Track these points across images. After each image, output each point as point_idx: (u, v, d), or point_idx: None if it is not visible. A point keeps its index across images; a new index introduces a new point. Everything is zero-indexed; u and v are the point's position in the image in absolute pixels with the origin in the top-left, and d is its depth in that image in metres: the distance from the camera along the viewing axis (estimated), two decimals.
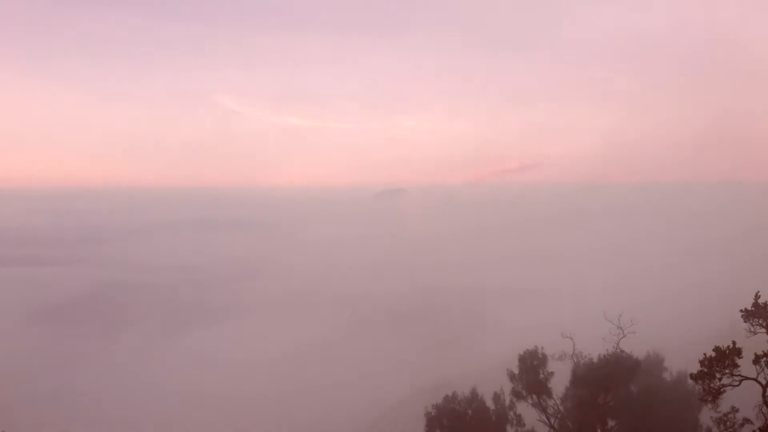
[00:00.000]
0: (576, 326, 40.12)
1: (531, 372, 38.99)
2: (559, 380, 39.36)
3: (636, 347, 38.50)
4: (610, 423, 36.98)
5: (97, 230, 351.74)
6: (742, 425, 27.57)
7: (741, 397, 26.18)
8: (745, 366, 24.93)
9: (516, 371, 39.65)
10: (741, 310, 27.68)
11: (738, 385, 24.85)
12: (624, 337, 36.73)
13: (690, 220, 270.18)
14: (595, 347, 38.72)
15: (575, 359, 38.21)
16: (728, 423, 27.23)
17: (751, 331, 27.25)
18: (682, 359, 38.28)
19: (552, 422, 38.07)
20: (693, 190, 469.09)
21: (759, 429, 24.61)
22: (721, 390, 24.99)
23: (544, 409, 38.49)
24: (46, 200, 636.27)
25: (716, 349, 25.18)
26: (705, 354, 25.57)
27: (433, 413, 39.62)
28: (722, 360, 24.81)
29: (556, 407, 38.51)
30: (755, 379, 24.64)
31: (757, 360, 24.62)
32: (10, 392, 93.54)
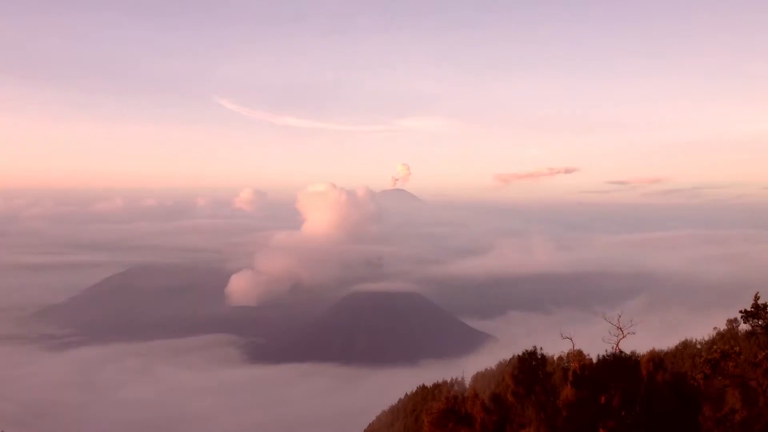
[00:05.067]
0: (576, 326, 40.07)
1: (530, 372, 38.98)
2: (559, 381, 39.33)
3: (636, 347, 38.46)
4: (610, 423, 36.94)
5: None
6: (741, 426, 27.58)
7: (740, 398, 26.17)
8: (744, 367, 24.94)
9: (515, 371, 39.63)
10: (740, 311, 27.70)
11: (738, 386, 24.86)
12: (624, 337, 36.67)
13: None
14: (594, 347, 38.68)
15: (575, 359, 38.17)
16: (728, 423, 27.24)
17: (750, 332, 27.29)
18: (682, 360, 38.30)
19: (552, 422, 38.06)
20: None
21: (758, 429, 24.63)
22: (721, 391, 25.02)
23: (543, 410, 38.48)
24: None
25: (716, 350, 25.23)
26: (704, 355, 25.63)
27: (432, 413, 39.60)
28: (721, 361, 24.85)
29: (555, 408, 38.50)
30: (755, 380, 24.65)
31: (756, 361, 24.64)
32: None
